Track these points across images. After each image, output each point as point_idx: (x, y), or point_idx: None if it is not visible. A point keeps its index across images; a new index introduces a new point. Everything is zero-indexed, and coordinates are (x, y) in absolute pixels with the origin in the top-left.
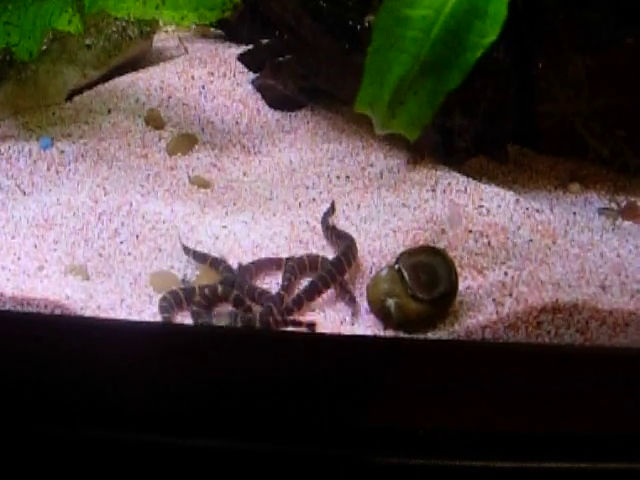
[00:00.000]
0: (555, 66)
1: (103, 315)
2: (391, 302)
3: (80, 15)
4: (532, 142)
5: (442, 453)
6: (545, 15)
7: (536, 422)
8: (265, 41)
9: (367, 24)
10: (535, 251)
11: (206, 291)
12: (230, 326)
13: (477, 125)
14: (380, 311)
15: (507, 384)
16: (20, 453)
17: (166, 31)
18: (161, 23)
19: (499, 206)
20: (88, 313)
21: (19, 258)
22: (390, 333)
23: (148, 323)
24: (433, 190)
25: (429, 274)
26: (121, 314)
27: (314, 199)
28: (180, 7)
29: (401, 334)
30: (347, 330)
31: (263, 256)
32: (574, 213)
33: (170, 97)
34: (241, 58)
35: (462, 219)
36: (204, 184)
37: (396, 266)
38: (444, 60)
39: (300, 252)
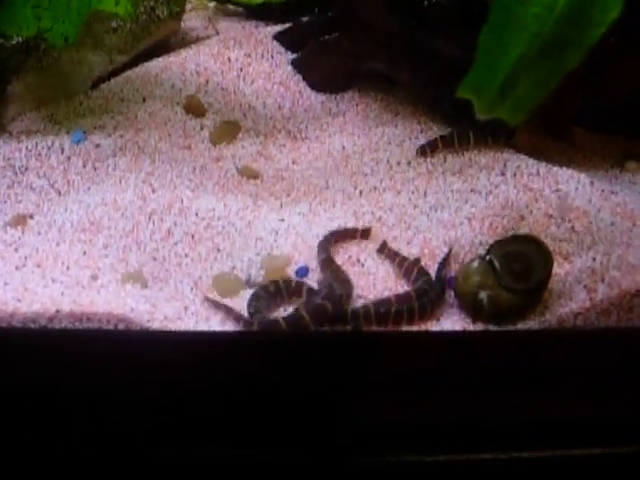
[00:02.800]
0: (628, 42)
1: (171, 326)
2: (484, 295)
3: None
4: (581, 119)
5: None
6: None
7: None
8: (305, 19)
9: (434, 0)
10: (619, 234)
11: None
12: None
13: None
14: (471, 304)
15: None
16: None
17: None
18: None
19: (576, 189)
20: (155, 325)
21: (68, 268)
22: (479, 326)
23: (227, 333)
24: (503, 174)
25: (522, 263)
26: (189, 323)
27: (375, 187)
28: None
29: (491, 327)
30: (435, 325)
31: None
32: (639, 192)
33: (208, 82)
34: (278, 37)
35: (569, 209)
36: (253, 174)
37: (487, 257)
38: (565, 38)
39: (370, 245)
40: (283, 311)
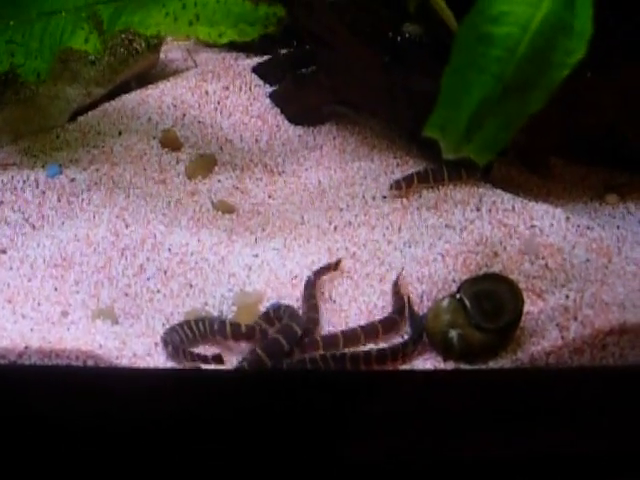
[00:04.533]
0: (605, 75)
1: (140, 363)
2: (454, 333)
3: (98, 33)
4: (561, 151)
5: None
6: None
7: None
8: (284, 51)
9: (407, 35)
10: (594, 271)
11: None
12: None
13: (520, 137)
14: (441, 343)
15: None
16: None
17: (165, 42)
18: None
19: (551, 225)
20: (124, 362)
21: (39, 304)
22: (450, 365)
23: (197, 370)
24: (478, 209)
25: (493, 302)
26: (159, 360)
27: (350, 222)
28: (217, 23)
29: (462, 365)
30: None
31: (303, 287)
32: (618, 227)
33: (185, 115)
34: (256, 70)
35: (539, 246)
36: (228, 209)
37: (458, 295)
38: (528, 81)
39: (343, 282)
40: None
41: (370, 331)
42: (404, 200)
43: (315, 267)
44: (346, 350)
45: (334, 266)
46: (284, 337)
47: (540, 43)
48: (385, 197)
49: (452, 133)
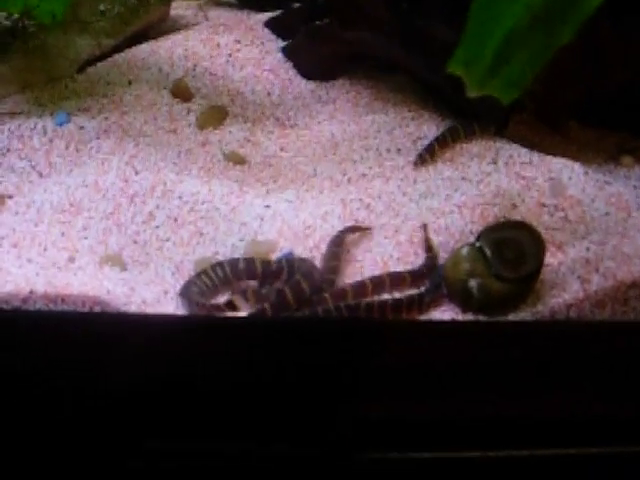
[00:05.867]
0: (626, 29)
1: (149, 309)
2: (474, 283)
3: None
4: (577, 113)
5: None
6: None
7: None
8: (297, 5)
9: None
10: (614, 224)
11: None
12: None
13: (541, 91)
14: (459, 293)
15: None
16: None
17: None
18: None
19: (570, 178)
20: (132, 309)
21: (45, 249)
22: (469, 316)
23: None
24: (494, 162)
25: (514, 251)
26: (168, 308)
27: (364, 174)
28: None
29: (481, 317)
30: (423, 315)
31: (317, 237)
32: (634, 186)
33: (196, 66)
34: (269, 24)
35: (564, 189)
36: (240, 160)
37: (477, 244)
38: (558, 11)
39: (357, 233)
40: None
41: (397, 280)
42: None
43: (329, 217)
44: (360, 300)
45: (362, 229)
46: (307, 282)
47: None
48: (399, 150)
49: (477, 68)
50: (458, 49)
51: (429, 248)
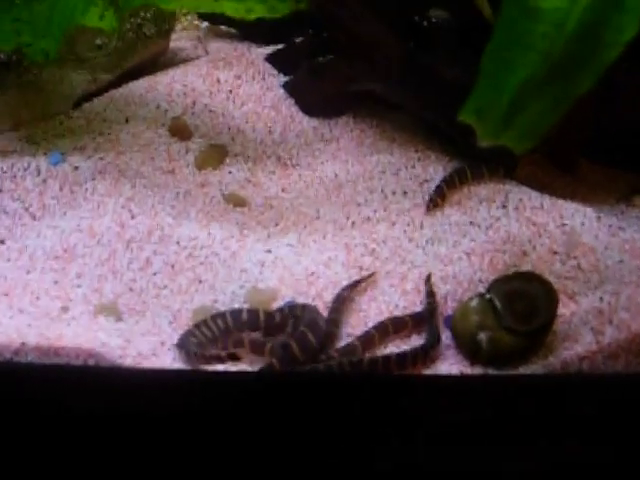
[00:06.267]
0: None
1: (145, 362)
2: (483, 336)
3: (114, 9)
4: (588, 152)
5: None
6: None
7: None
8: (299, 40)
9: (433, 20)
10: (628, 273)
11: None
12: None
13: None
14: (468, 345)
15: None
16: None
17: (174, 30)
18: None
19: (583, 224)
20: (128, 362)
21: (38, 298)
22: (478, 370)
23: (205, 372)
24: (504, 207)
25: (526, 303)
26: (165, 360)
27: (369, 218)
28: None
29: (491, 370)
30: (429, 368)
31: (320, 285)
32: None
33: (195, 103)
34: (270, 59)
35: (580, 240)
36: (240, 202)
37: (487, 295)
38: (577, 59)
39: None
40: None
41: (400, 325)
42: (425, 196)
43: (332, 264)
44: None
45: (366, 278)
46: (312, 334)
47: (590, 18)
48: (406, 192)
49: (490, 118)
50: (470, 98)
51: (430, 293)
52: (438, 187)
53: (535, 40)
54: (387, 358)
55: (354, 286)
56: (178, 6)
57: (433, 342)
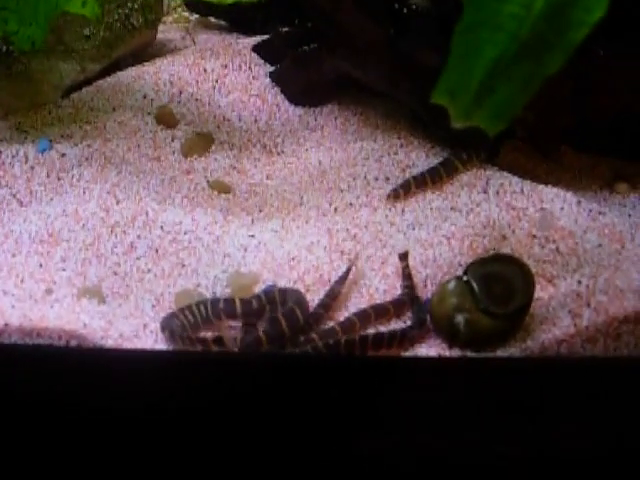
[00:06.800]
0: (622, 56)
1: (127, 344)
2: (461, 318)
3: None
4: (572, 138)
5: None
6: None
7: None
8: (284, 30)
9: (413, 7)
10: (606, 256)
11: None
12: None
13: (530, 117)
14: (446, 328)
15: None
16: None
17: (164, 22)
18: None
19: (562, 208)
20: (109, 343)
21: (23, 280)
22: (456, 352)
23: (184, 353)
24: (485, 192)
25: (503, 285)
26: (147, 342)
27: (351, 204)
28: None
29: (469, 353)
30: (408, 350)
31: (302, 269)
32: (629, 215)
33: (181, 92)
34: (256, 49)
35: (553, 223)
36: (225, 189)
37: (465, 277)
38: (545, 40)
39: (342, 264)
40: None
41: (381, 312)
42: None
43: (314, 248)
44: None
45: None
46: (300, 311)
47: None
48: (388, 178)
49: (462, 98)
50: (441, 79)
51: (407, 276)
52: (407, 181)
53: (503, 20)
54: (364, 338)
55: (345, 278)
56: None
57: (417, 326)
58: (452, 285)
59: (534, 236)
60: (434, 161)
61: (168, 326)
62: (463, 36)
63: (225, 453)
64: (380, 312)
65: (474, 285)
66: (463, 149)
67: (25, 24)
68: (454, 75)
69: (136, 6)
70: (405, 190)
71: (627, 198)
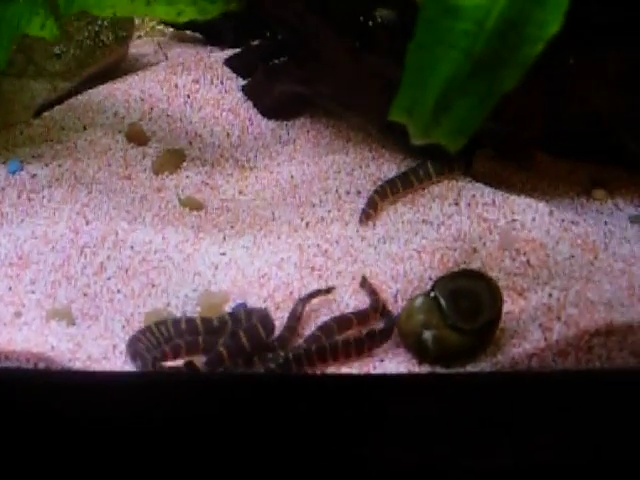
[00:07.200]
0: (590, 62)
1: (95, 366)
2: (428, 335)
3: (55, 18)
4: (547, 145)
5: None
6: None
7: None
8: (255, 43)
9: (379, 20)
10: (578, 268)
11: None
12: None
13: (502, 128)
14: (415, 345)
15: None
16: None
17: (140, 36)
18: (136, 26)
19: (533, 219)
20: (77, 365)
21: None
22: (426, 368)
23: (150, 373)
24: (457, 204)
25: (470, 301)
26: (116, 363)
27: (323, 218)
28: (175, 1)
29: (438, 369)
30: (377, 367)
31: (272, 286)
32: (605, 222)
33: (152, 109)
34: (228, 63)
35: (516, 238)
36: (196, 206)
37: (432, 294)
38: (499, 56)
39: (312, 280)
40: None
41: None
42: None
43: (284, 265)
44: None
45: (324, 292)
46: (263, 328)
47: (511, 15)
48: (359, 192)
49: (419, 115)
50: (397, 96)
51: (373, 292)
52: (371, 198)
53: (456, 38)
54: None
55: (313, 296)
56: (111, 13)
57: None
58: (419, 301)
59: (504, 249)
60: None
61: (137, 353)
62: (416, 54)
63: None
64: (343, 324)
65: (442, 301)
66: (431, 161)
67: None
68: (410, 93)
69: (106, 23)
70: (373, 207)
71: (604, 205)
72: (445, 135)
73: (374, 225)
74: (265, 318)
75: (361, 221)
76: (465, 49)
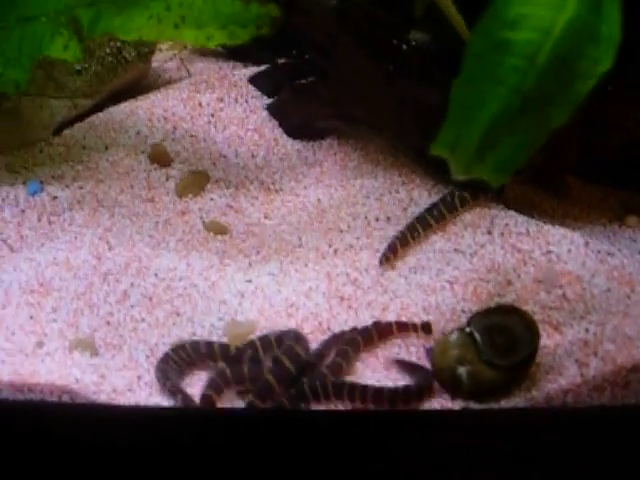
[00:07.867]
0: (627, 90)
1: (120, 399)
2: (463, 370)
3: (78, 39)
4: (579, 170)
5: None
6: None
7: None
8: (282, 61)
9: (413, 43)
10: (615, 302)
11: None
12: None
13: (538, 156)
14: (449, 380)
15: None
16: None
17: (160, 49)
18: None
19: (569, 251)
20: (102, 398)
21: (13, 333)
22: (459, 404)
23: (179, 408)
24: (489, 232)
25: (506, 337)
26: (141, 395)
27: (352, 245)
28: (204, 25)
29: (472, 404)
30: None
31: (300, 316)
32: (639, 252)
33: (176, 128)
34: (253, 80)
35: (558, 275)
36: (221, 230)
37: (467, 329)
38: (549, 93)
39: (342, 310)
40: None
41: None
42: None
43: (312, 294)
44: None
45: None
46: (290, 360)
47: (563, 50)
48: (389, 218)
49: (463, 152)
50: (441, 132)
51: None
52: (392, 244)
53: (506, 73)
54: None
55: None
56: (137, 36)
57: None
58: (454, 337)
59: (540, 281)
60: (436, 199)
61: (167, 378)
62: (463, 89)
63: None
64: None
65: (477, 336)
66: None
67: (9, 67)
68: (454, 129)
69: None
70: (393, 252)
71: (637, 232)
72: (488, 172)
73: (404, 254)
74: (298, 337)
75: (381, 263)
76: (514, 85)
